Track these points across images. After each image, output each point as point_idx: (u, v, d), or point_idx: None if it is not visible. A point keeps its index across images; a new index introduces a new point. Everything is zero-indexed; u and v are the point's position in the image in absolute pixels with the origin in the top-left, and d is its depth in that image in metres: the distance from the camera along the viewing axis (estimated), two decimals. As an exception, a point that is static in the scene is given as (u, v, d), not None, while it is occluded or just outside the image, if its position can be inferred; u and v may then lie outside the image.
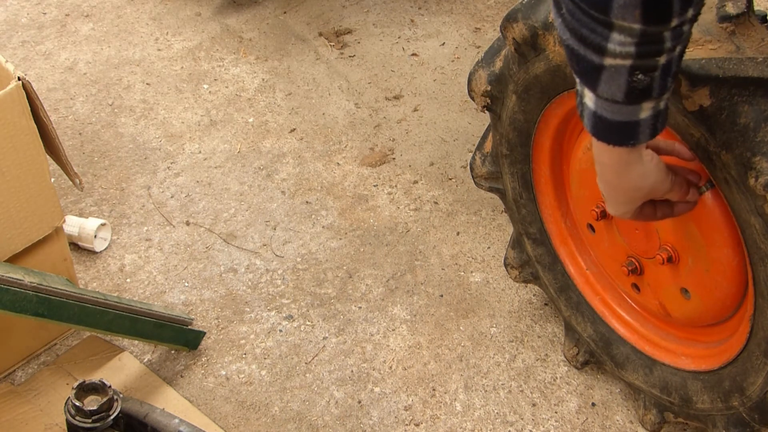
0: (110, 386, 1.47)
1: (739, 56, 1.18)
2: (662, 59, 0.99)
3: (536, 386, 1.78)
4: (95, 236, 2.06)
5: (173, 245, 2.10)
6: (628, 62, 0.98)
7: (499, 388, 1.78)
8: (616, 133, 1.09)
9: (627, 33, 0.95)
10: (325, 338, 1.88)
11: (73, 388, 1.44)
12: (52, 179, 1.85)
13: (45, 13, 2.90)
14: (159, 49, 2.74)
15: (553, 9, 1.03)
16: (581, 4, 0.96)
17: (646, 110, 1.05)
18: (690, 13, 0.95)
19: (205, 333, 1.87)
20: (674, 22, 0.95)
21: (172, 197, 2.23)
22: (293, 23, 2.85)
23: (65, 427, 1.48)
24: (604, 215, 1.52)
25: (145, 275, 2.02)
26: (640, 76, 1.00)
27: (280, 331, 1.90)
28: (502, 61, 1.55)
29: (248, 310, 1.95)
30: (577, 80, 1.07)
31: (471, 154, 2.03)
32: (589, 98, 1.07)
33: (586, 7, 0.96)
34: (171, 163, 2.32)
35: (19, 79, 1.57)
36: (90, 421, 1.44)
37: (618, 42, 0.96)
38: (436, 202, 2.20)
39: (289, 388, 1.79)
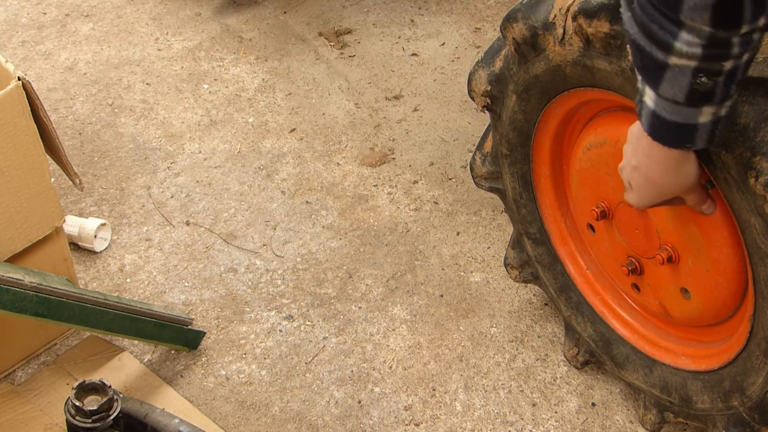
0: (110, 386, 1.47)
1: (739, 56, 1.18)
2: (728, 65, 0.98)
3: (536, 386, 1.78)
4: (95, 236, 2.06)
5: (173, 245, 2.10)
6: (693, 63, 0.98)
7: (499, 388, 1.78)
8: (673, 134, 1.09)
9: (696, 34, 0.95)
10: (325, 338, 1.89)
11: (73, 388, 1.44)
12: (52, 179, 1.85)
13: (45, 13, 2.90)
14: (159, 49, 2.74)
15: (623, 2, 1.03)
16: (653, 0, 0.96)
17: (706, 114, 1.05)
18: (762, 21, 0.95)
19: (205, 333, 1.87)
20: (744, 29, 0.95)
21: (172, 197, 2.23)
22: (293, 23, 2.85)
23: (65, 427, 1.48)
24: (604, 215, 1.52)
25: (145, 275, 2.02)
26: (703, 79, 0.99)
27: (280, 331, 1.90)
28: (502, 61, 1.55)
29: (248, 310, 1.95)
30: (639, 78, 1.07)
31: (471, 154, 2.03)
32: (649, 97, 1.07)
33: (657, 3, 0.96)
34: (171, 163, 2.33)
35: (19, 79, 1.57)
36: (90, 421, 1.44)
37: (686, 41, 0.96)
38: (436, 202, 2.20)
39: (289, 388, 1.79)
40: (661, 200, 1.25)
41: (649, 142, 1.13)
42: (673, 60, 0.99)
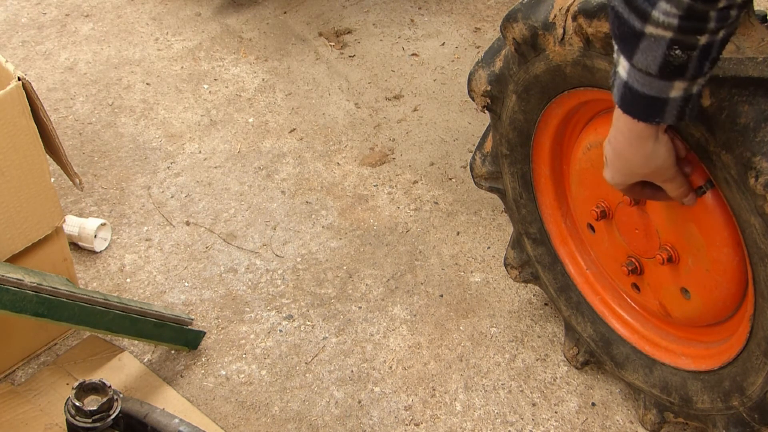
0: (110, 386, 1.47)
1: (739, 56, 1.18)
2: (703, 39, 0.99)
3: (536, 386, 1.78)
4: (95, 236, 2.06)
5: (173, 245, 2.10)
6: (668, 34, 0.99)
7: (499, 388, 1.78)
8: (643, 107, 1.09)
9: (674, 4, 0.96)
10: (325, 338, 1.89)
11: (73, 388, 1.44)
12: (52, 179, 1.85)
13: (45, 13, 2.90)
14: (159, 49, 2.74)
15: None
16: None
17: (677, 89, 1.05)
18: None
19: (205, 333, 1.87)
20: (722, 3, 0.95)
21: (172, 197, 2.23)
22: (293, 23, 2.85)
23: (65, 427, 1.48)
24: (604, 215, 1.52)
25: (145, 275, 2.02)
26: (677, 52, 1.00)
27: (280, 331, 1.90)
28: (502, 61, 1.55)
29: (248, 310, 1.95)
30: (615, 47, 1.08)
31: (471, 154, 2.03)
32: (623, 67, 1.07)
33: None
34: (171, 163, 2.33)
35: (19, 79, 1.57)
36: (90, 421, 1.44)
37: (663, 11, 0.97)
38: (436, 202, 2.20)
39: (289, 388, 1.79)
40: (631, 179, 1.24)
41: (619, 115, 1.14)
42: (650, 29, 0.99)
